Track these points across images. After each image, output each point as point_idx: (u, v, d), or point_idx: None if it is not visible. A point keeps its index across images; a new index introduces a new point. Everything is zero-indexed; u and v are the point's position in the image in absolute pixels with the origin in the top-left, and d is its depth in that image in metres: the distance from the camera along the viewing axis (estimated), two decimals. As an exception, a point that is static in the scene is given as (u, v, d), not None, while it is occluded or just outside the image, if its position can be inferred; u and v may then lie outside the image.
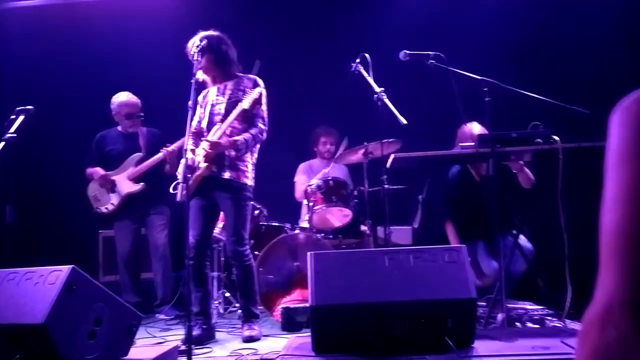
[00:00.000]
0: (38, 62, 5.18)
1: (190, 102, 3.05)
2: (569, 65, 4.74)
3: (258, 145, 3.49)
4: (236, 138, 3.30)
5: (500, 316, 2.87)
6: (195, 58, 3.17)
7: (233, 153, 3.32)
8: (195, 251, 3.31)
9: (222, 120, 3.34)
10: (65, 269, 2.08)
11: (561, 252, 2.88)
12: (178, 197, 2.93)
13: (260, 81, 3.47)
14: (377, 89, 3.54)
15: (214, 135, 3.30)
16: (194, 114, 3.01)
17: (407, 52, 3.24)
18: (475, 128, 3.62)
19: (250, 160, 3.46)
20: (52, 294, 2.00)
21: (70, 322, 2.03)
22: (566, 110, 2.94)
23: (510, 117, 3.51)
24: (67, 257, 4.67)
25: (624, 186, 0.69)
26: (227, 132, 3.32)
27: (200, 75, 3.42)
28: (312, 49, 5.25)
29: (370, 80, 3.61)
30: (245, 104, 3.28)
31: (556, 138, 2.92)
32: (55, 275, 2.06)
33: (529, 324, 3.01)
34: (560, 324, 2.96)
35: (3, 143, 3.45)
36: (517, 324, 3.03)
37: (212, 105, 3.43)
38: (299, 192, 4.72)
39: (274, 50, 4.97)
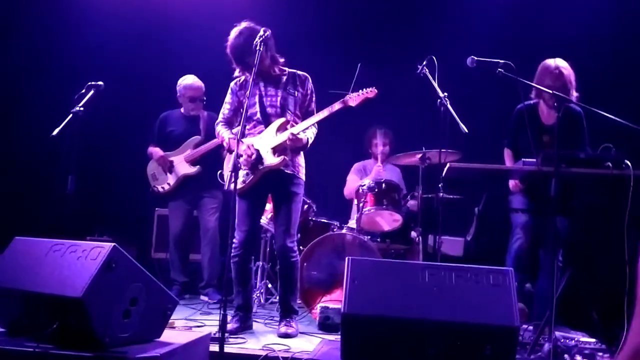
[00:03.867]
0: (110, 40, 5.34)
1: (247, 93, 3.06)
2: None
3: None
4: (308, 137, 3.30)
5: (547, 346, 2.71)
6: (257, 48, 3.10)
7: (297, 149, 3.33)
8: (243, 248, 3.31)
9: (280, 115, 3.31)
10: (107, 246, 2.12)
11: (622, 285, 2.69)
12: (226, 186, 2.95)
13: (309, 78, 3.43)
14: (440, 93, 3.43)
15: (295, 128, 3.26)
16: (250, 104, 3.00)
17: (475, 58, 3.09)
18: (560, 63, 3.43)
19: (303, 156, 3.46)
20: (92, 269, 2.05)
21: (106, 299, 2.07)
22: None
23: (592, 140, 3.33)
24: (124, 231, 4.90)
25: None
26: (288, 127, 3.28)
27: (238, 73, 3.38)
28: (377, 48, 5.15)
29: (435, 84, 3.50)
30: (351, 101, 3.25)
31: (629, 163, 2.72)
32: (97, 251, 2.10)
33: (578, 358, 2.82)
34: (611, 361, 2.76)
35: (70, 115, 3.60)
36: (566, 356, 2.85)
37: (262, 96, 3.36)
38: (348, 189, 4.66)
39: (339, 48, 4.92)
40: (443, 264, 2.18)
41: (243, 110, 3.12)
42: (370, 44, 5.19)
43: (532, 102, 3.57)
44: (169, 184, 4.50)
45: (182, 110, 4.63)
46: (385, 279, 2.14)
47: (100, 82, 3.74)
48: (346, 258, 2.22)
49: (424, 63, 3.63)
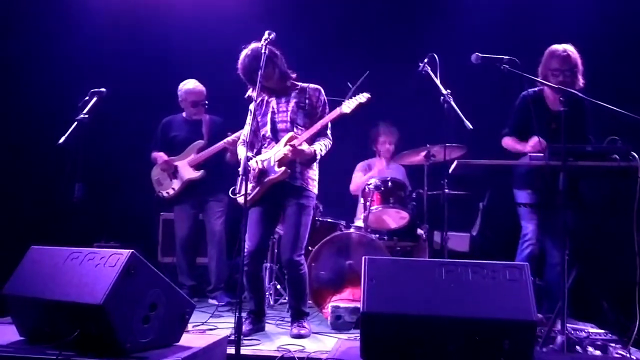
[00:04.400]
0: (112, 45, 5.35)
1: (254, 94, 3.06)
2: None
3: None
4: (314, 148, 3.28)
5: (560, 338, 2.73)
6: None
7: (304, 161, 3.31)
8: (251, 259, 3.30)
9: (289, 129, 3.32)
10: (126, 252, 2.13)
11: (632, 276, 2.72)
12: (237, 190, 2.95)
13: (321, 90, 3.44)
14: (443, 90, 3.44)
15: (294, 140, 3.24)
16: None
17: (480, 54, 3.11)
18: (567, 47, 3.43)
19: (316, 168, 3.45)
20: (112, 276, 2.06)
21: (126, 305, 2.08)
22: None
23: (596, 130, 3.35)
24: (129, 236, 4.89)
25: None
26: (299, 139, 3.28)
27: (251, 92, 3.41)
28: (379, 47, 5.17)
29: (437, 81, 3.52)
30: (346, 108, 3.23)
31: (635, 155, 2.74)
32: (115, 258, 2.12)
33: (590, 349, 2.84)
34: (624, 352, 2.78)
35: (76, 123, 3.60)
36: (578, 347, 2.87)
37: (274, 115, 3.39)
38: (354, 185, 4.67)
39: (340, 47, 4.93)
40: (459, 260, 2.20)
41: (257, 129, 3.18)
42: (372, 43, 5.22)
43: (537, 89, 3.57)
44: (173, 188, 4.50)
45: (184, 114, 4.63)
46: (403, 277, 2.15)
47: (102, 89, 3.75)
48: (362, 258, 2.24)
49: (425, 61, 3.65)
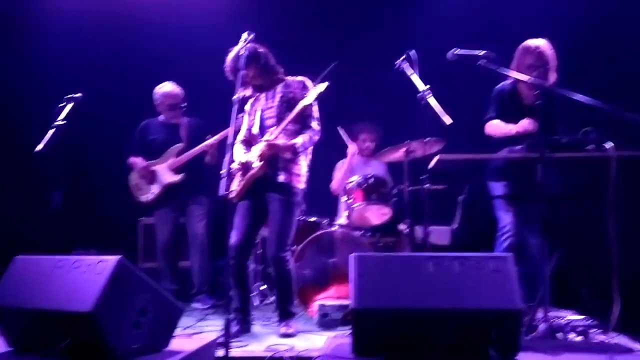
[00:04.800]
0: (87, 51, 5.28)
1: (235, 97, 3.06)
2: (629, 67, 4.55)
3: (311, 148, 3.47)
4: (294, 141, 3.29)
5: (542, 326, 2.80)
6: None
7: (288, 155, 3.32)
8: (237, 253, 3.32)
9: (276, 124, 3.33)
10: (113, 259, 2.12)
11: (609, 262, 2.80)
12: (220, 192, 2.94)
13: (309, 82, 3.45)
14: (421, 87, 3.48)
15: (270, 136, 3.29)
16: (238, 110, 3.02)
17: (455, 52, 3.16)
18: (541, 43, 3.46)
19: (304, 163, 3.45)
20: (100, 283, 2.04)
21: (116, 312, 2.07)
22: (623, 116, 2.83)
23: (564, 121, 3.42)
24: (109, 242, 4.82)
25: None
26: (274, 133, 3.31)
27: (240, 93, 3.38)
28: (355, 44, 5.20)
29: (415, 77, 3.55)
30: (308, 99, 3.25)
31: (610, 145, 2.82)
32: (103, 265, 2.10)
33: (572, 336, 2.92)
34: (605, 337, 2.86)
35: (53, 130, 3.55)
36: (559, 334, 2.94)
37: (263, 111, 3.43)
38: (336, 182, 4.69)
39: (316, 45, 4.95)
40: (446, 253, 2.24)
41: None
42: (350, 40, 5.24)
43: (510, 82, 3.60)
44: (153, 193, 4.46)
45: (162, 118, 4.59)
46: (391, 272, 2.18)
47: (78, 94, 3.70)
48: (350, 255, 2.26)
49: (402, 58, 3.68)
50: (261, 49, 3.37)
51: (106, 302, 2.01)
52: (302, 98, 3.35)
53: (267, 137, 3.29)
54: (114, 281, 2.06)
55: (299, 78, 3.47)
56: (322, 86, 3.29)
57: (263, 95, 3.46)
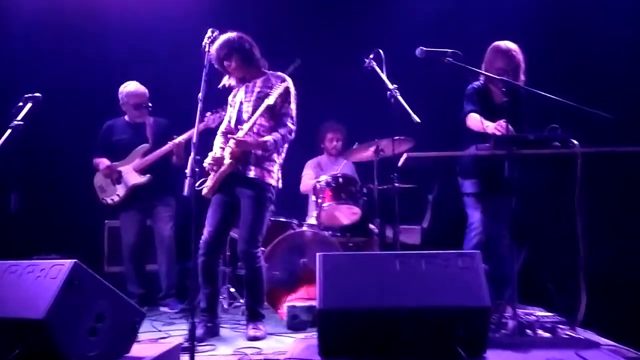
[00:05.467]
0: (47, 49, 5.12)
1: (200, 95, 2.99)
2: (594, 66, 4.61)
3: (286, 145, 3.43)
4: (265, 138, 3.25)
5: (511, 323, 2.80)
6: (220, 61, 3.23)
7: (260, 152, 3.28)
8: (208, 248, 3.25)
9: (250, 119, 3.28)
10: (67, 263, 2.03)
11: (576, 259, 2.82)
12: (185, 192, 2.87)
13: (288, 79, 3.40)
14: (390, 85, 3.47)
15: (240, 132, 3.25)
16: (203, 107, 2.96)
17: (424, 48, 3.15)
18: (511, 46, 3.48)
19: (277, 160, 3.40)
20: (54, 288, 1.95)
21: (71, 318, 1.98)
22: (589, 114, 2.85)
23: (530, 119, 3.43)
24: (72, 246, 4.67)
25: None
26: (255, 129, 3.27)
27: (225, 81, 3.42)
28: (322, 43, 5.16)
29: (384, 76, 3.54)
30: (270, 99, 3.23)
31: (575, 142, 2.84)
32: (57, 269, 2.01)
33: (540, 332, 2.92)
34: (572, 332, 2.88)
35: (10, 131, 3.42)
36: (528, 331, 2.95)
37: (241, 104, 3.38)
38: (304, 185, 4.65)
39: (283, 44, 4.89)
40: (413, 252, 2.21)
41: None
42: (317, 38, 5.20)
43: (481, 82, 3.63)
44: (118, 195, 4.35)
45: (126, 117, 4.47)
46: (358, 271, 2.15)
47: (37, 94, 3.58)
48: (316, 255, 2.21)
49: (371, 56, 3.66)
50: (246, 40, 3.33)
51: (59, 308, 1.92)
52: (282, 94, 3.32)
53: (239, 134, 3.23)
54: (69, 286, 1.97)
55: (278, 74, 3.43)
56: (282, 87, 3.27)
57: (243, 88, 3.41)
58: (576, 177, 2.78)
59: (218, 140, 3.46)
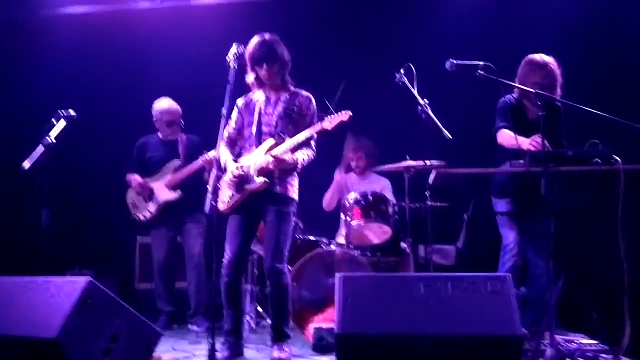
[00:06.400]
0: (81, 68, 5.26)
1: (223, 110, 2.97)
2: (637, 78, 4.39)
3: None
4: (299, 159, 3.19)
5: (549, 351, 2.63)
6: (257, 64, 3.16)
7: (288, 169, 3.24)
8: (231, 270, 3.20)
9: (274, 134, 3.24)
10: (82, 280, 2.00)
11: (620, 283, 2.64)
12: (207, 209, 2.84)
13: (313, 99, 3.35)
14: (421, 101, 3.39)
15: (275, 150, 3.15)
16: (227, 122, 2.92)
17: (455, 61, 3.04)
18: (548, 59, 3.34)
19: (296, 175, 3.35)
20: (67, 307, 1.93)
21: (84, 338, 1.95)
22: (632, 129, 2.69)
23: (568, 134, 3.27)
24: (105, 263, 4.74)
25: None
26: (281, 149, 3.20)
27: (251, 80, 3.33)
28: (354, 59, 5.11)
29: (415, 91, 3.46)
30: (327, 124, 3.14)
31: (617, 159, 2.67)
32: (71, 287, 1.98)
33: (581, 361, 2.75)
34: (616, 363, 2.69)
35: (42, 147, 3.49)
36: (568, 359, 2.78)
37: (261, 115, 3.30)
38: (325, 202, 4.55)
39: (316, 59, 4.86)
40: (438, 274, 2.09)
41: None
42: (348, 53, 5.15)
43: (515, 96, 3.49)
44: (150, 212, 4.37)
45: (159, 135, 4.52)
46: (379, 294, 2.04)
47: (71, 111, 3.65)
48: (336, 275, 2.12)
49: (402, 72, 3.59)
50: (287, 51, 3.27)
51: (73, 328, 1.89)
52: (307, 114, 3.29)
53: (277, 151, 3.14)
54: (82, 305, 1.94)
55: (306, 93, 3.35)
56: (346, 115, 3.17)
57: (263, 98, 3.33)
58: (619, 196, 2.62)
59: (224, 152, 3.34)
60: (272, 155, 3.12)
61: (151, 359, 2.27)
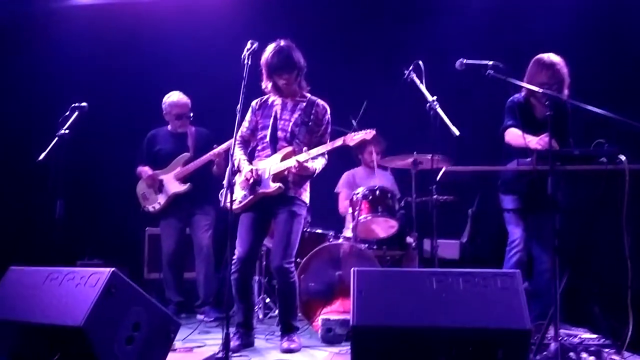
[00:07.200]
0: (92, 60, 5.29)
1: (238, 107, 3.02)
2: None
3: None
4: (315, 166, 3.27)
5: (553, 345, 2.69)
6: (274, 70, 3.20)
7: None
8: (242, 265, 3.26)
9: (288, 139, 3.30)
10: (106, 271, 2.07)
11: (623, 279, 2.70)
12: (222, 203, 2.90)
13: (328, 109, 3.41)
14: (429, 97, 3.42)
15: (299, 156, 3.19)
16: (241, 120, 2.97)
17: (464, 60, 3.09)
18: (555, 59, 3.36)
19: (308, 181, 3.44)
20: (92, 296, 1.99)
21: (108, 326, 2.02)
22: (636, 128, 2.73)
23: (575, 133, 3.32)
24: (114, 253, 4.80)
25: None
26: (295, 149, 3.28)
27: (266, 87, 3.37)
28: (363, 55, 5.15)
29: (423, 88, 3.50)
30: (350, 140, 3.19)
31: (623, 158, 2.73)
32: (95, 278, 2.05)
33: (584, 355, 2.80)
34: (618, 356, 2.75)
35: (56, 139, 3.54)
36: (571, 354, 2.83)
37: (276, 120, 3.35)
38: (342, 206, 4.62)
39: (324, 56, 4.90)
40: (450, 269, 2.16)
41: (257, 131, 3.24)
42: (357, 51, 5.19)
43: (522, 95, 3.54)
44: (159, 203, 4.43)
45: (169, 127, 4.57)
46: (393, 288, 2.11)
47: (84, 104, 3.70)
48: (351, 270, 2.19)
49: (411, 68, 3.63)
50: (302, 58, 3.31)
51: (97, 316, 1.96)
52: (322, 123, 3.35)
53: (300, 157, 3.18)
54: (106, 294, 2.01)
55: (322, 102, 3.41)
56: (370, 134, 3.21)
57: (278, 104, 3.38)
58: (623, 195, 2.67)
59: (238, 153, 3.38)
60: (297, 160, 3.17)
61: (171, 346, 2.34)
